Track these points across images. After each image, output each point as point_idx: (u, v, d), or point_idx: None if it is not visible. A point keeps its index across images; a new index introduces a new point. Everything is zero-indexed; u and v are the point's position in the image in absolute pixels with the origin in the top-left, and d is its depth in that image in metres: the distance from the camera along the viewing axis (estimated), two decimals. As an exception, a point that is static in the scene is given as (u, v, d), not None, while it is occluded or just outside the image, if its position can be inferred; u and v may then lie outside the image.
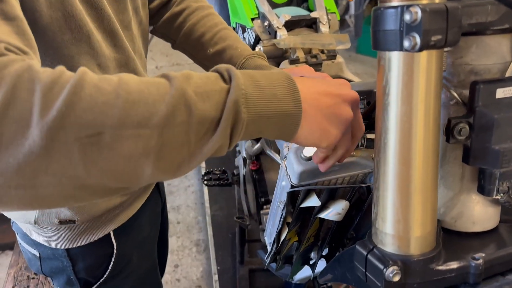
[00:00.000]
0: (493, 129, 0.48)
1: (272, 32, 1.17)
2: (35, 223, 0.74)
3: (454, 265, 0.50)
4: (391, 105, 0.46)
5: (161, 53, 3.78)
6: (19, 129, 0.36)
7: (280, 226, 0.78)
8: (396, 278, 0.48)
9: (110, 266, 0.81)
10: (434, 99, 0.45)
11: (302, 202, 0.71)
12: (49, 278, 0.86)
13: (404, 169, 0.47)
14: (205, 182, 1.63)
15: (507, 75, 0.50)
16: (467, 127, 0.49)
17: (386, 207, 0.49)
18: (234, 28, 1.40)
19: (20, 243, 0.84)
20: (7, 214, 0.77)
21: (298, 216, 0.74)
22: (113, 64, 0.67)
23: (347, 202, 0.70)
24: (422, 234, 0.49)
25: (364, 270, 0.52)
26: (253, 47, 1.22)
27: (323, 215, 0.71)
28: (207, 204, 2.11)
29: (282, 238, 0.79)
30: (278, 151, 1.03)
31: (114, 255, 0.80)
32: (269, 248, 0.87)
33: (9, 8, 0.44)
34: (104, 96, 0.39)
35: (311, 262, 0.89)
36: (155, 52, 3.76)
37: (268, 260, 0.89)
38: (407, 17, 0.41)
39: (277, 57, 1.19)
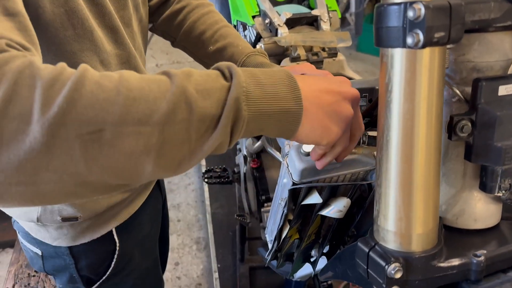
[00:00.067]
0: (495, 126, 0.48)
1: (273, 29, 1.17)
2: (37, 221, 0.74)
3: (455, 262, 0.50)
4: (394, 102, 0.46)
5: (161, 51, 3.77)
6: (20, 125, 0.36)
7: (281, 223, 0.78)
8: (398, 275, 0.48)
9: (113, 263, 0.81)
10: (436, 96, 0.45)
11: (303, 199, 0.70)
12: (50, 276, 0.86)
13: (406, 166, 0.47)
14: (206, 180, 1.63)
15: (509, 72, 0.50)
16: (469, 124, 0.49)
17: (388, 205, 0.49)
18: (235, 26, 1.40)
19: (22, 242, 0.83)
20: (8, 212, 0.77)
21: (300, 214, 0.74)
22: (115, 61, 0.67)
23: (348, 199, 0.70)
24: (424, 231, 0.49)
25: (366, 267, 0.52)
26: (254, 44, 1.22)
27: (325, 212, 0.71)
28: (207, 202, 2.11)
29: (283, 236, 0.79)
30: (279, 149, 1.03)
31: (117, 252, 0.80)
32: (270, 246, 0.87)
33: (11, 3, 0.44)
34: (105, 93, 0.39)
35: (312, 259, 0.90)
36: (155, 50, 3.75)
37: (269, 258, 0.89)
38: (410, 13, 0.41)
39: (278, 54, 1.19)
